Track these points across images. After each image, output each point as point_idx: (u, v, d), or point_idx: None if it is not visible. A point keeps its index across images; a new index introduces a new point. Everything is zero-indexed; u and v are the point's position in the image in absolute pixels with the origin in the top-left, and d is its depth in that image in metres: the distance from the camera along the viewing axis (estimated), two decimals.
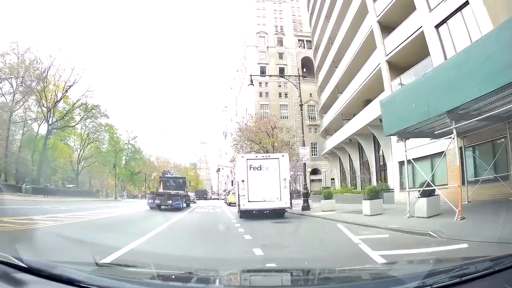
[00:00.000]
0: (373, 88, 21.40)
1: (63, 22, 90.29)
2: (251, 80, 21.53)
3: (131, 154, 62.97)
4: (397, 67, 18.21)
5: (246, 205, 13.66)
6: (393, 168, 18.64)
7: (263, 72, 66.75)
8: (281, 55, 68.52)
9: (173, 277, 2.46)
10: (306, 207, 17.33)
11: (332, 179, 54.18)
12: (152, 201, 20.99)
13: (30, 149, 41.77)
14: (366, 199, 12.45)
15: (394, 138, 17.95)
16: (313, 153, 55.63)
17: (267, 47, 69.04)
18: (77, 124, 48.54)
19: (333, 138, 32.50)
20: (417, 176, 15.37)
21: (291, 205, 14.60)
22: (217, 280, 2.45)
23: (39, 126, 43.47)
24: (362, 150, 28.08)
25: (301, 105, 20.27)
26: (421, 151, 13.04)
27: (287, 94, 66.19)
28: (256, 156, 16.40)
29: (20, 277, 1.64)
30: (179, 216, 15.59)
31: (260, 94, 63.73)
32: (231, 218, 14.71)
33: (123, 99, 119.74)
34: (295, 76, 24.03)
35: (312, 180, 53.44)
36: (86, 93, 43.90)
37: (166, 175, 28.55)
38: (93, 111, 47.99)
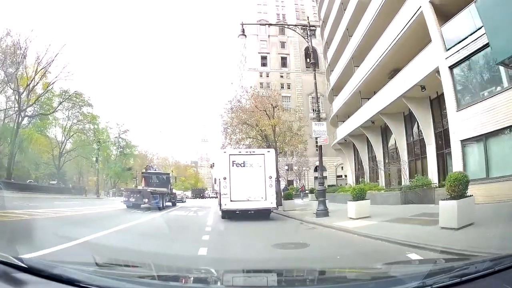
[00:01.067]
0: (404, 52, 16.95)
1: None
2: (243, 30, 15.90)
3: (121, 149, 57.27)
4: (444, 12, 13.64)
5: (228, 205, 12.90)
6: (452, 152, 12.89)
7: (264, 63, 63.09)
8: (283, 44, 66.91)
9: (173, 277, 2.48)
10: (323, 212, 11.93)
11: (339, 176, 48.76)
12: (127, 199, 19.10)
13: (6, 141, 37.63)
14: (448, 198, 6.67)
15: (452, 107, 12.32)
16: (317, 148, 52.44)
17: (268, 35, 65.95)
18: (53, 111, 42.47)
19: (348, 123, 26.78)
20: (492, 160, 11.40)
21: (277, 205, 13.93)
22: (217, 280, 2.46)
23: (16, 116, 37.80)
24: (388, 135, 22.89)
25: (313, 63, 15.25)
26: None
27: (289, 85, 62.31)
28: (240, 152, 15.24)
29: (20, 277, 1.63)
30: (145, 219, 13.20)
31: (261, 85, 59.33)
32: (205, 225, 11.23)
33: (122, 95, 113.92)
34: (302, 26, 18.60)
35: (315, 178, 51.02)
36: (62, 75, 37.76)
37: (148, 171, 25.88)
38: (75, 99, 42.95)
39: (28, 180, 40.68)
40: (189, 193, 59.23)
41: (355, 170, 30.22)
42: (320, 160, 13.76)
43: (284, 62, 64.53)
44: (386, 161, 22.91)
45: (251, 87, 26.10)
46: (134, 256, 4.97)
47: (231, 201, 12.80)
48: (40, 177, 45.87)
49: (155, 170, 26.40)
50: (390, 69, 19.67)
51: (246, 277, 2.66)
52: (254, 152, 14.74)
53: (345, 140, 28.58)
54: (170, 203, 24.00)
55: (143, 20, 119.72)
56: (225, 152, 14.13)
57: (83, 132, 47.72)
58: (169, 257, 5.36)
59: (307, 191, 33.56)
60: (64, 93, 40.83)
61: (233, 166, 13.19)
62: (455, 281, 1.65)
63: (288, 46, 63.88)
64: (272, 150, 14.53)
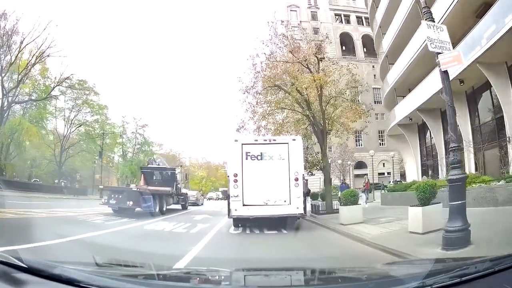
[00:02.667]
0: None
1: None
2: None
3: (139, 145, 51.72)
4: None
5: (239, 210, 10.17)
6: None
7: None
8: (316, 31, 60.59)
9: (173, 276, 2.49)
10: (461, 236, 5.72)
11: (381, 173, 42.07)
12: (107, 201, 14.56)
13: None
14: None
15: None
16: (357, 143, 48.95)
17: (300, 21, 60.54)
18: (45, 97, 36.62)
19: (416, 94, 20.21)
20: None
21: (305, 211, 10.83)
22: (218, 279, 2.44)
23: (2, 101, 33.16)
24: (478, 100, 16.64)
25: None
26: None
27: (325, 74, 56.03)
28: (256, 140, 11.63)
29: (20, 277, 1.63)
30: (86, 235, 8.25)
31: None
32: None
33: (151, 94, 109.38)
34: None
35: (355, 175, 47.12)
36: (49, 51, 32.62)
37: (150, 165, 21.99)
38: (78, 86, 38.20)
39: (33, 179, 37.07)
40: (213, 194, 53.58)
41: (422, 161, 23.24)
42: (451, 105, 6.72)
43: (319, 49, 59.84)
44: (481, 140, 16.16)
45: (282, 22, 19.17)
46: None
47: (243, 205, 10.30)
48: (41, 175, 40.47)
49: (158, 164, 21.68)
50: (477, 5, 14.59)
51: (247, 276, 2.62)
52: (274, 140, 11.54)
53: (410, 120, 21.79)
54: (179, 206, 19.93)
55: (173, 14, 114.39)
56: (236, 140, 11.14)
57: (87, 124, 42.37)
58: None
59: (364, 190, 25.77)
60: (61, 79, 36.06)
61: (246, 159, 10.57)
62: (455, 281, 1.64)
63: (321, 32, 60.08)
64: (299, 138, 11.35)
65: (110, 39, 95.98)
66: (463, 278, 1.63)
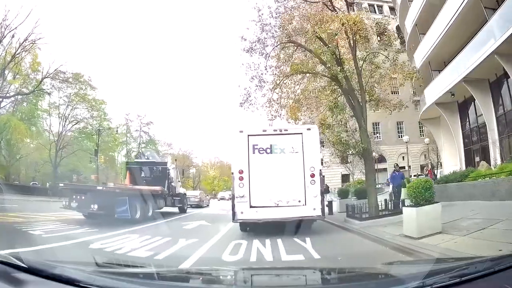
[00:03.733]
0: None
1: None
2: None
3: (144, 144, 49.02)
4: None
5: (246, 213, 8.98)
6: None
7: None
8: None
9: (175, 276, 2.43)
10: None
11: (401, 167, 39.39)
12: (67, 203, 11.54)
13: None
14: None
15: None
16: (375, 136, 46.14)
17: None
18: (34, 90, 33.40)
19: (458, 63, 16.72)
20: None
21: (323, 213, 9.22)
22: (221, 279, 2.40)
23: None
24: None
25: None
26: None
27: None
28: (264, 131, 9.94)
29: (20, 277, 1.61)
30: None
31: None
32: None
33: (161, 94, 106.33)
34: None
35: (376, 170, 42.33)
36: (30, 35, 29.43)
37: (137, 160, 19.31)
38: (72, 80, 35.66)
39: (32, 182, 35.45)
40: (225, 194, 51.13)
41: (465, 146, 19.54)
42: None
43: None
44: None
45: None
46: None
47: (251, 207, 9.02)
48: (38, 177, 38.50)
49: (148, 158, 18.52)
50: None
51: (247, 276, 2.56)
52: (286, 130, 10.10)
53: (453, 95, 17.92)
54: (177, 209, 17.70)
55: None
56: (241, 131, 9.72)
57: (83, 120, 39.56)
58: None
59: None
60: (50, 70, 32.79)
61: (254, 152, 9.33)
62: (455, 281, 1.61)
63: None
64: (315, 127, 9.93)
65: (112, 33, 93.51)
66: (463, 278, 1.60)
